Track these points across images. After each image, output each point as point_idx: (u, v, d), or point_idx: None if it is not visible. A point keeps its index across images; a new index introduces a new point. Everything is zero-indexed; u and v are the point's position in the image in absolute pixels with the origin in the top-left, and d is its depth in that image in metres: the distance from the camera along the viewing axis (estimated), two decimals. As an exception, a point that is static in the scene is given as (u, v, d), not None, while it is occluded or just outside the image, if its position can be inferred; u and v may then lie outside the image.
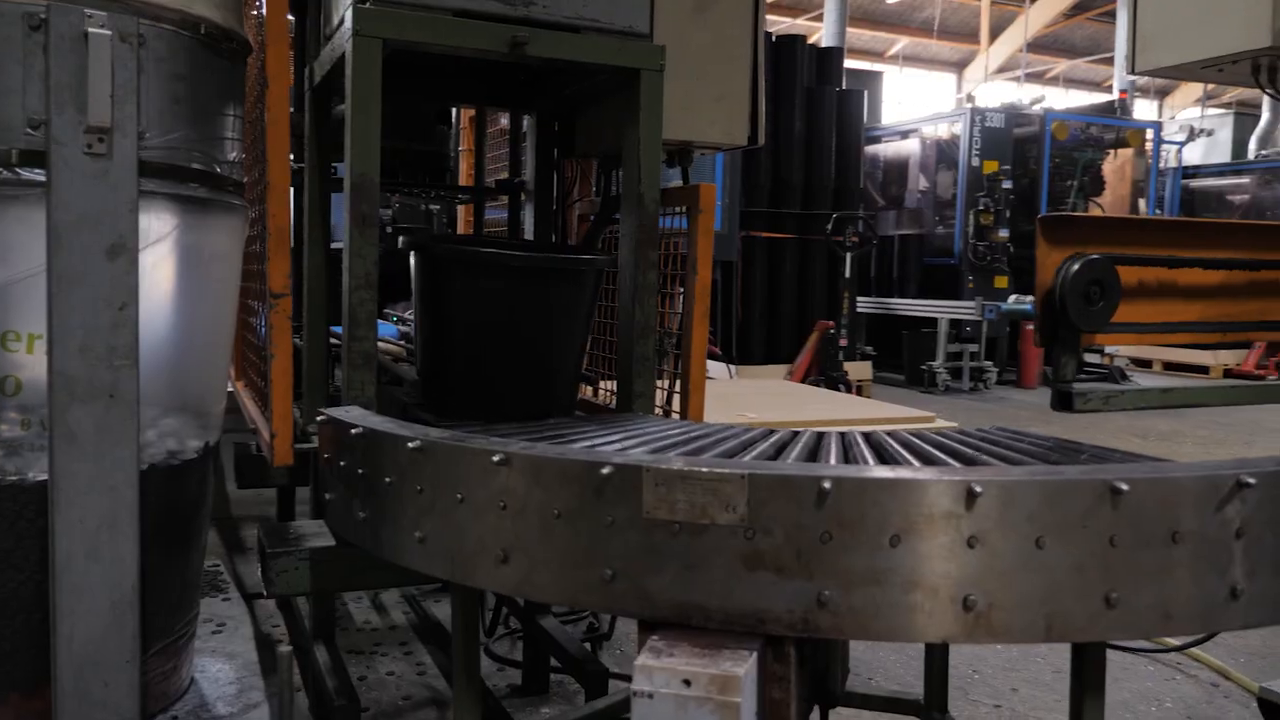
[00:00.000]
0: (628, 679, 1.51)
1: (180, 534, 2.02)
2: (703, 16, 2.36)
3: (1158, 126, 11.21)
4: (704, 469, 1.28)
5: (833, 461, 1.66)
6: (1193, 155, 15.50)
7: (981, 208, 10.13)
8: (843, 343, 8.73)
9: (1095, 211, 10.89)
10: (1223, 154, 17.17)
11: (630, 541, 1.31)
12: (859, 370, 9.07)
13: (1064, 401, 1.81)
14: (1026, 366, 10.41)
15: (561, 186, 2.84)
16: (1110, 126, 10.70)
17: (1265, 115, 18.17)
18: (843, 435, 1.83)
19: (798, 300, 9.40)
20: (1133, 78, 19.66)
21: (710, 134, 2.43)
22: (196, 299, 1.98)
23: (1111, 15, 20.46)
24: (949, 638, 1.26)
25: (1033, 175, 10.55)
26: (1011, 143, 10.39)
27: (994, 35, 22.48)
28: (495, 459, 1.40)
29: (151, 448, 1.90)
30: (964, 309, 9.66)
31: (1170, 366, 12.37)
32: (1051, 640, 1.27)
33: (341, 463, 1.72)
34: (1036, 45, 22.67)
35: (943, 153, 11.14)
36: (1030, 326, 10.20)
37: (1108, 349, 11.73)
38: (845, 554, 1.24)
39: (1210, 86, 23.30)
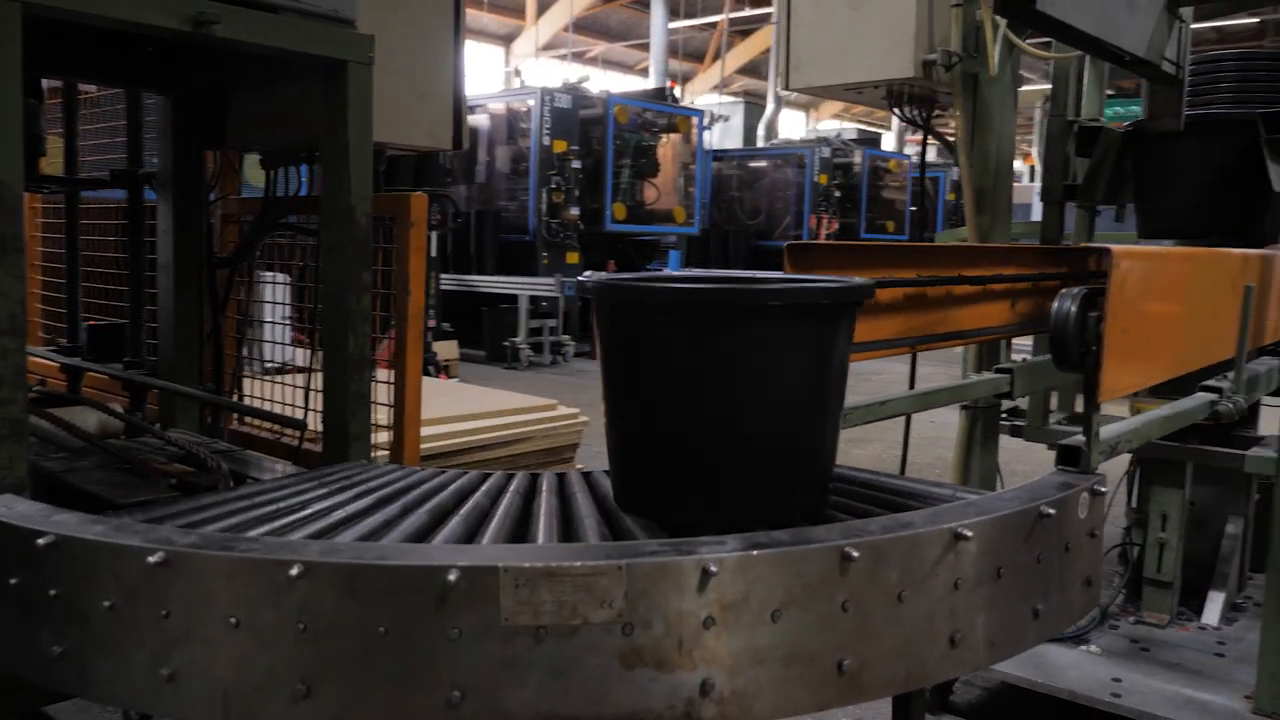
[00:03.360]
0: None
1: None
2: (403, 5, 2.08)
3: (701, 114, 12.31)
4: (577, 563, 1.11)
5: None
6: (710, 139, 17.29)
7: (554, 186, 10.44)
8: (431, 324, 8.54)
9: (650, 191, 11.71)
10: (735, 138, 19.40)
11: (483, 654, 1.11)
12: (446, 350, 8.94)
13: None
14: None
15: (203, 182, 2.38)
16: (663, 113, 11.54)
17: (770, 105, 20.82)
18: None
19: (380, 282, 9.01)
20: (670, 68, 21.39)
21: (414, 135, 2.17)
22: None
23: (643, 4, 22.10)
24: (826, 704, 1.23)
25: (598, 156, 11.07)
26: (579, 124, 10.80)
27: (540, 11, 23.24)
28: (292, 572, 1.11)
29: None
30: (544, 285, 9.92)
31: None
32: (910, 687, 1.28)
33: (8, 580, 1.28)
34: (579, 26, 23.82)
35: (511, 129, 11.29)
36: (602, 300, 10.74)
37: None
38: (729, 636, 1.15)
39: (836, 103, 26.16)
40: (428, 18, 2.18)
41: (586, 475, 1.76)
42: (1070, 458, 1.56)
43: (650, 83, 19.06)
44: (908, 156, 18.50)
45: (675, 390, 1.39)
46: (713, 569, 1.13)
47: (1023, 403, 3.18)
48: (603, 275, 1.52)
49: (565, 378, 9.43)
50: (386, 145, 2.19)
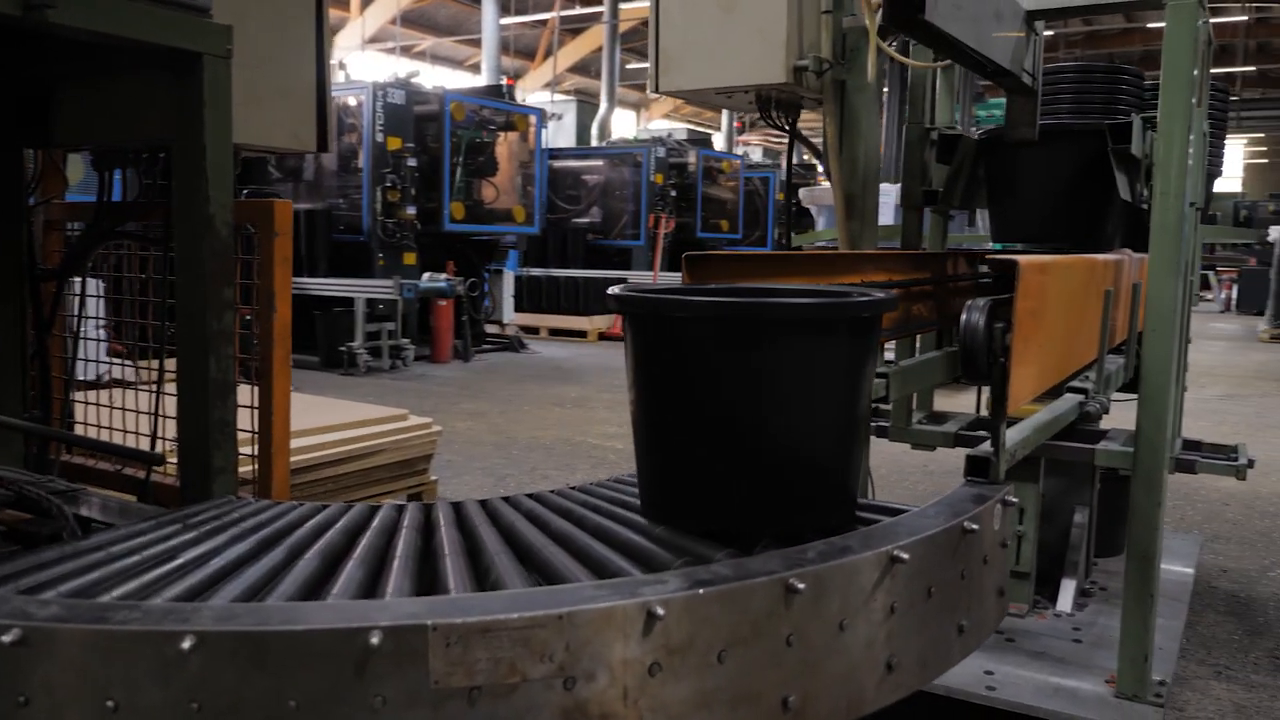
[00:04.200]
0: None
1: None
2: (261, -10, 1.89)
3: (540, 112, 12.17)
4: (513, 615, 1.01)
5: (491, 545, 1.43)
6: (544, 138, 17.18)
7: (389, 185, 10.09)
8: (262, 329, 8.08)
9: (489, 190, 11.50)
10: (568, 137, 19.34)
11: (410, 722, 0.99)
12: (279, 357, 8.49)
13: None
14: (439, 342, 10.66)
15: (22, 183, 2.10)
16: (501, 110, 11.33)
17: (604, 105, 20.88)
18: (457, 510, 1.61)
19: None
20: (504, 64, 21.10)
21: (274, 136, 1.97)
22: None
23: (474, -1, 21.72)
24: (771, 745, 1.17)
25: (434, 153, 10.76)
26: (413, 120, 10.47)
27: (365, 3, 22.48)
28: (184, 645, 0.96)
29: None
30: (382, 287, 9.56)
31: (554, 332, 13.67)
32: (851, 718, 1.24)
33: None
34: (406, 19, 23.18)
35: (340, 124, 10.83)
36: (443, 302, 10.47)
37: (505, 320, 12.57)
38: (675, 682, 1.08)
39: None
40: (287, 5, 1.99)
41: (483, 503, 1.64)
42: (980, 469, 1.56)
43: (482, 79, 18.75)
44: (739, 157, 18.93)
45: (722, 404, 1.36)
46: (659, 612, 1.06)
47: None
48: (641, 286, 1.49)
49: (407, 383, 9.12)
50: (243, 147, 1.99)
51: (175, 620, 0.99)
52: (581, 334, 13.42)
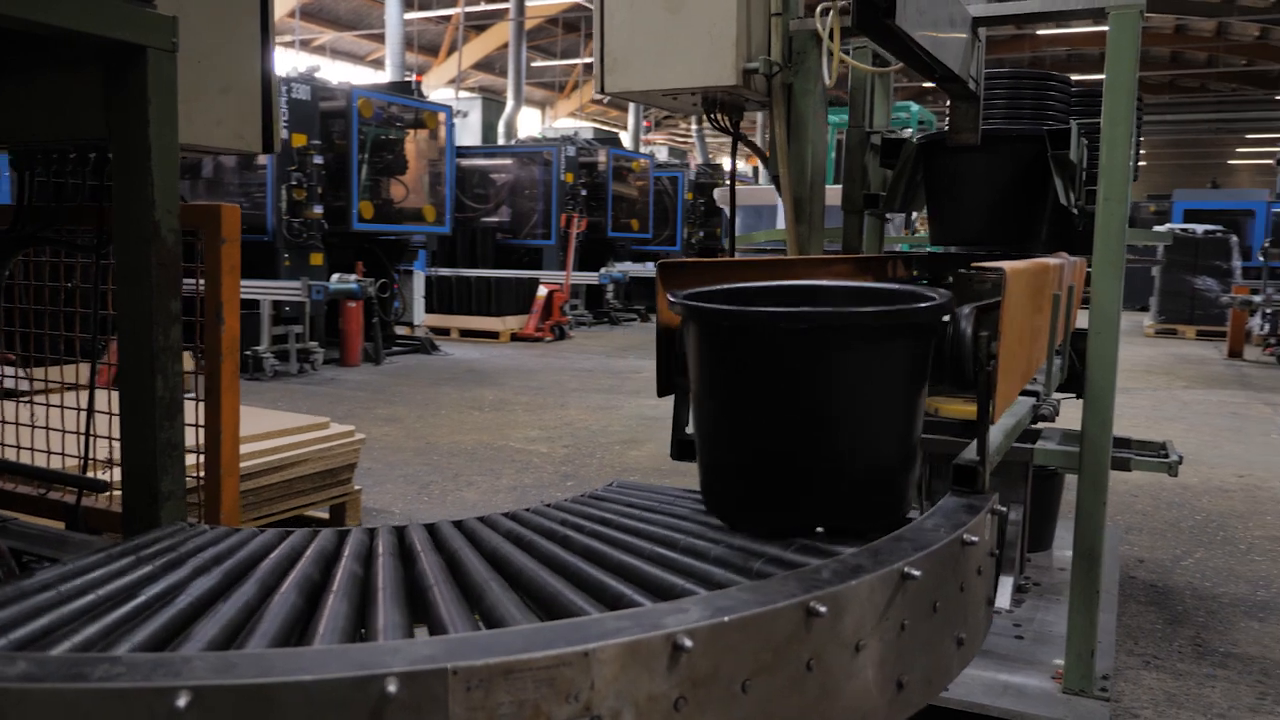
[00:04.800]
0: None
1: None
2: (202, -21, 1.76)
3: (450, 109, 11.95)
4: (537, 654, 0.95)
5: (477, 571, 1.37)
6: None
7: (294, 183, 9.77)
8: (163, 334, 7.73)
9: (398, 189, 11.25)
10: (473, 136, 19.09)
11: (428, 773, 0.92)
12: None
13: (688, 452, 1.76)
14: (349, 345, 10.38)
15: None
16: (409, 107, 11.09)
17: (510, 103, 20.67)
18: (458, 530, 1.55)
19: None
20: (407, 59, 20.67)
21: (215, 136, 1.84)
22: None
23: (377, -8, 21.25)
24: (793, 775, 1.13)
25: (340, 151, 10.47)
26: (319, 117, 10.17)
27: (260, -3, 21.77)
28: (179, 702, 0.87)
29: None
30: (289, 289, 9.25)
31: (466, 333, 13.46)
32: (865, 740, 1.21)
33: None
34: (305, 12, 22.55)
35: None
36: (352, 304, 10.20)
37: (416, 321, 12.32)
38: (700, 716, 1.03)
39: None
40: (231, -2, 1.87)
41: (458, 524, 1.57)
42: (966, 478, 1.56)
43: (386, 75, 18.34)
44: (648, 156, 18.96)
45: (792, 407, 1.43)
46: (686, 643, 1.01)
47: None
48: (705, 292, 1.58)
49: (317, 389, 8.85)
50: (183, 148, 1.85)
51: (166, 674, 0.90)
52: (494, 335, 13.25)
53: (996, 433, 1.92)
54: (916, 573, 1.21)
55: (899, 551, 1.26)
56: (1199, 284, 15.42)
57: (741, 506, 1.51)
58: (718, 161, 27.94)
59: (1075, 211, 3.11)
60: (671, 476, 5.72)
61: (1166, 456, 3.01)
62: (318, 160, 9.91)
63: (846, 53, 2.85)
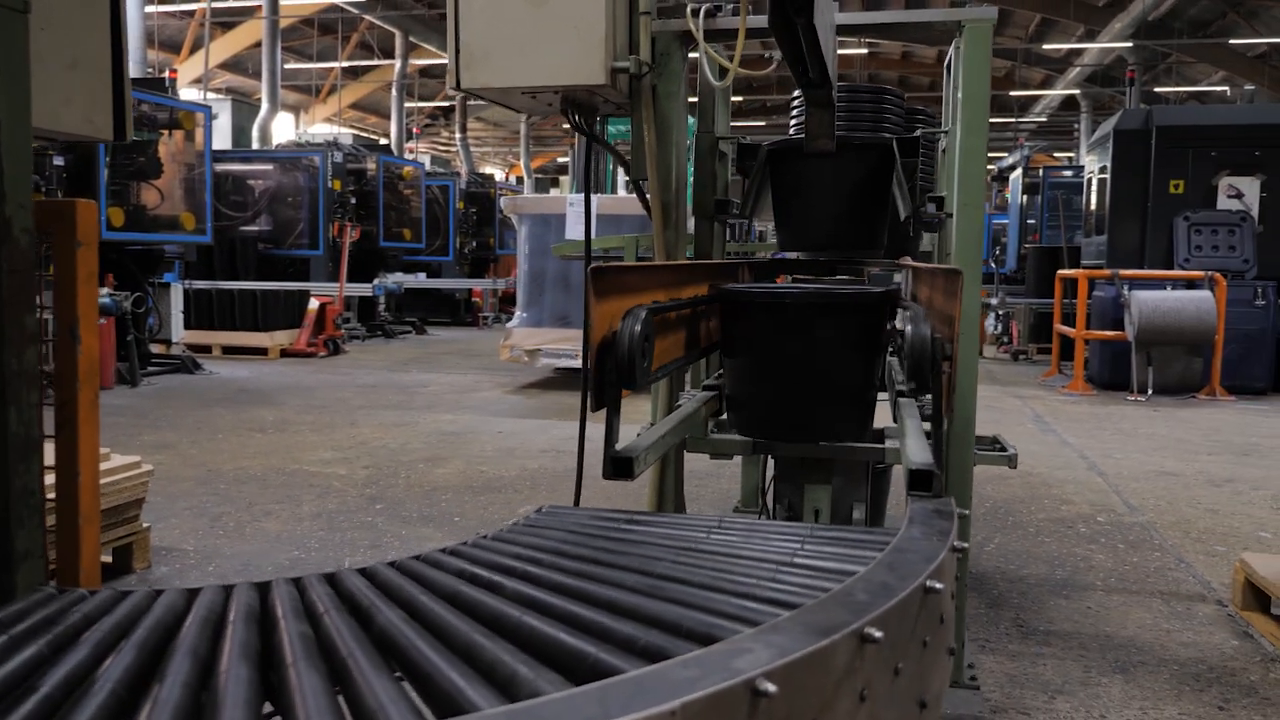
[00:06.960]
0: None
1: None
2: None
3: (209, 110, 11.06)
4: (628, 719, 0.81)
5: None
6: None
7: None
8: None
9: (152, 195, 10.31)
10: (224, 139, 17.89)
11: None
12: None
13: (623, 469, 1.64)
14: (101, 366, 9.38)
15: None
16: (164, 106, 10.16)
17: (265, 105, 19.53)
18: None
19: None
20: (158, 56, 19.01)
21: (63, 119, 1.51)
22: None
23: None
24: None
25: (84, 152, 9.44)
26: (56, 114, 9.13)
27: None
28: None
29: None
30: (26, 306, 8.23)
31: (229, 350, 12.53)
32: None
33: None
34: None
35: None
36: (104, 321, 9.23)
37: (174, 339, 11.35)
38: (777, 766, 0.93)
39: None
40: (75, -45, 1.55)
41: (395, 563, 1.37)
42: (923, 482, 1.53)
43: (131, 72, 16.81)
44: (420, 164, 18.46)
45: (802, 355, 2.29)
46: (768, 689, 0.90)
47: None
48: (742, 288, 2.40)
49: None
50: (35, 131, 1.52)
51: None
52: (262, 351, 12.40)
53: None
54: (939, 586, 1.16)
55: (912, 559, 1.21)
56: (941, 289, 16.82)
57: (764, 424, 2.42)
58: (488, 171, 27.68)
59: (912, 219, 3.24)
60: (484, 494, 5.51)
61: (1004, 450, 3.18)
62: (58, 161, 8.91)
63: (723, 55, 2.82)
